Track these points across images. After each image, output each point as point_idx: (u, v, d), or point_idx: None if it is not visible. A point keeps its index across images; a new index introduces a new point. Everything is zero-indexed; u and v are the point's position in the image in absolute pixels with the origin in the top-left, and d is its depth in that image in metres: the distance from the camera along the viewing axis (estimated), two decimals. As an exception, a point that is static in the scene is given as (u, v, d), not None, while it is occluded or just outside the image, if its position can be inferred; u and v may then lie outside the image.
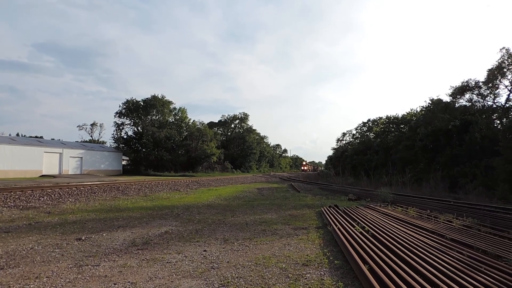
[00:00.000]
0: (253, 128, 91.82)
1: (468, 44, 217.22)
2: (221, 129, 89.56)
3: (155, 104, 62.89)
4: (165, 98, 64.99)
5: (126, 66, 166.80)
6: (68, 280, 4.57)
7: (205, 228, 8.75)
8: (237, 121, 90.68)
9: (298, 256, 5.87)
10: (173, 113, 69.06)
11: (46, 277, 4.71)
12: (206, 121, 79.80)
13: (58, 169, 43.76)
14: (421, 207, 12.83)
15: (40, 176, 39.14)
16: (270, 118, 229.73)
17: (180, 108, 69.80)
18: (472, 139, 22.68)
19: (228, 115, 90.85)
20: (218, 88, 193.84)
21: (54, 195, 15.78)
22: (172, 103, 66.95)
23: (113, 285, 4.39)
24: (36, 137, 71.54)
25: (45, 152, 42.10)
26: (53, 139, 64.03)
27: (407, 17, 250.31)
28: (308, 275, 4.80)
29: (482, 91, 26.09)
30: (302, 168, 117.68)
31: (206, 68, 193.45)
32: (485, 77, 25.36)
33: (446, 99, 28.85)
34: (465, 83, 26.84)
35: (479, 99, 26.52)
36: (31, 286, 4.34)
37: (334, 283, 4.45)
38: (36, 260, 5.60)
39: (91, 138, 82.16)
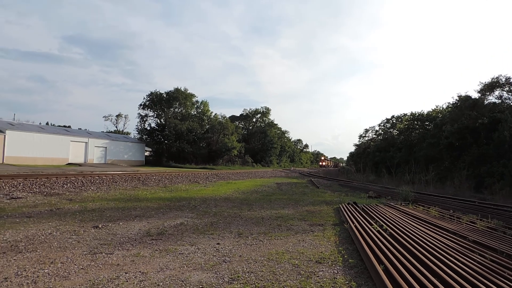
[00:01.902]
0: (275, 122, 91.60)
1: (500, 39, 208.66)
2: (242, 123, 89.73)
3: (178, 96, 63.65)
4: (188, 91, 65.69)
5: (150, 58, 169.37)
6: (81, 267, 4.63)
7: (220, 221, 8.74)
8: (258, 115, 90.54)
9: (312, 253, 5.76)
10: (195, 106, 69.76)
11: (61, 262, 4.79)
12: (227, 115, 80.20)
13: (84, 158, 45.03)
14: (444, 207, 12.43)
15: (67, 164, 40.40)
16: (291, 112, 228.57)
17: (202, 101, 70.53)
18: (501, 137, 21.75)
19: (250, 109, 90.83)
20: (240, 81, 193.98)
21: (77, 183, 16.19)
22: (195, 96, 67.69)
23: (124, 273, 4.42)
24: (64, 126, 73.70)
25: (71, 141, 43.40)
26: (80, 128, 65.93)
27: (434, 12, 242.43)
28: (321, 273, 4.68)
29: (513, 88, 25.04)
30: (320, 163, 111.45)
31: (228, 61, 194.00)
32: (517, 73, 24.30)
33: (475, 95, 27.81)
34: (495, 79, 25.79)
35: (509, 96, 25.45)
36: (46, 270, 4.42)
37: (347, 282, 4.32)
38: (53, 245, 5.72)
39: (116, 129, 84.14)
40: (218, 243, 6.26)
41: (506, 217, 9.88)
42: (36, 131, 39.93)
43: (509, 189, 18.32)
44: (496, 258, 5.29)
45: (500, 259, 5.25)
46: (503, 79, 25.38)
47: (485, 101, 26.68)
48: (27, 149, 37.42)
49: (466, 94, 29.17)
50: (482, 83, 26.83)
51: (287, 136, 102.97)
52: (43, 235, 6.39)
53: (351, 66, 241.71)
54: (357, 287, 4.20)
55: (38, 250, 5.38)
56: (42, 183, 15.09)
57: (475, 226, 8.50)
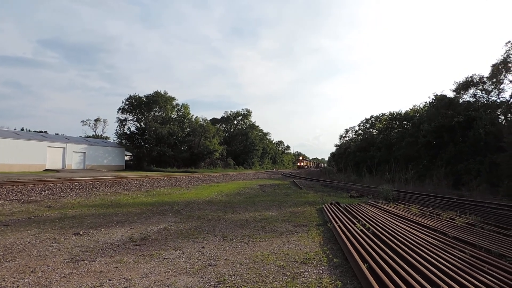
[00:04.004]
0: (256, 124, 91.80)
1: (473, 39, 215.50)
2: (224, 126, 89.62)
3: (158, 100, 62.92)
4: (168, 94, 65.10)
5: (129, 62, 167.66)
6: (63, 275, 4.51)
7: (204, 224, 8.68)
8: (240, 117, 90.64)
9: (297, 253, 5.79)
10: (176, 109, 69.16)
11: (41, 271, 4.66)
12: (208, 118, 79.95)
13: (62, 163, 43.97)
14: (424, 204, 12.70)
15: (44, 170, 39.36)
16: (273, 114, 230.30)
17: (182, 104, 70.05)
18: (476, 135, 22.45)
19: (231, 111, 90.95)
20: (221, 84, 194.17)
21: (56, 190, 15.78)
22: (175, 99, 67.10)
23: (108, 281, 4.33)
24: (41, 132, 71.85)
25: (48, 146, 42.32)
26: (57, 134, 64.35)
27: (411, 12, 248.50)
28: (306, 273, 4.71)
29: (487, 87, 25.86)
30: (299, 164, 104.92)
31: (209, 63, 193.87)
32: (490, 72, 25.13)
33: (450, 94, 28.57)
34: (469, 79, 26.59)
35: (483, 94, 26.31)
36: (26, 280, 4.29)
37: (333, 282, 4.36)
38: (32, 254, 5.56)
39: (94, 134, 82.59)
40: (203, 247, 6.21)
41: (484, 212, 10.19)
42: (11, 137, 38.71)
43: (486, 185, 18.89)
44: (475, 253, 5.44)
45: (479, 254, 5.40)
46: (477, 78, 26.17)
47: (460, 99, 27.45)
48: (2, 156, 36.22)
49: (442, 93, 29.95)
50: (456, 82, 27.62)
51: (268, 138, 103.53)
52: (22, 244, 6.19)
53: (331, 67, 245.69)
54: (343, 286, 4.24)
55: (17, 259, 5.21)
56: (19, 190, 14.65)
57: (454, 223, 8.73)
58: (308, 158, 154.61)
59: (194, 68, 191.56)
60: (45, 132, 75.63)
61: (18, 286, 4.08)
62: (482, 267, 4.63)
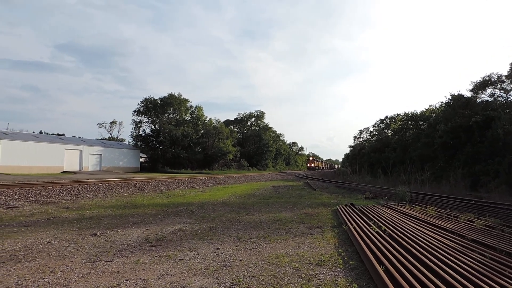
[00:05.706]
0: (269, 126, 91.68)
1: (491, 38, 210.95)
2: (237, 127, 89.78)
3: (172, 102, 63.42)
4: (182, 97, 65.50)
5: (143, 65, 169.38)
6: (81, 275, 4.59)
7: (219, 225, 8.72)
8: (253, 119, 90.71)
9: (312, 255, 5.76)
10: (190, 111, 69.61)
11: (61, 271, 4.75)
12: (222, 119, 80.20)
13: (79, 165, 44.75)
14: (441, 206, 12.49)
15: (62, 172, 40.12)
16: (286, 115, 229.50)
17: (196, 106, 70.43)
18: (495, 135, 21.89)
19: (244, 113, 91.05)
20: (234, 85, 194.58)
21: (73, 191, 16.07)
22: (189, 101, 67.50)
23: (124, 281, 4.39)
24: (58, 134, 73.23)
25: (66, 149, 43.15)
26: (74, 136, 65.59)
27: (426, 11, 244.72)
28: (322, 275, 4.68)
29: (505, 86, 25.23)
30: (308, 165, 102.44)
31: (221, 65, 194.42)
32: (508, 70, 24.50)
33: (467, 94, 27.95)
34: (487, 78, 25.98)
35: (502, 93, 25.67)
36: (46, 279, 4.39)
37: (348, 284, 4.33)
38: (52, 254, 5.68)
39: (110, 136, 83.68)
40: (217, 248, 6.25)
41: (504, 215, 9.95)
42: (30, 140, 39.65)
43: (505, 186, 18.42)
44: (495, 256, 5.32)
45: (499, 257, 5.28)
46: (495, 77, 25.57)
47: (478, 99, 26.85)
48: (21, 158, 37.12)
49: (459, 93, 29.35)
50: (474, 82, 27.05)
51: (282, 139, 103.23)
52: (41, 244, 6.34)
53: (344, 67, 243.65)
54: (359, 288, 4.20)
55: (38, 259, 5.34)
56: (38, 191, 14.98)
57: (473, 225, 8.55)
58: (322, 159, 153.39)
59: (207, 70, 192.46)
60: (63, 134, 77.11)
61: (38, 286, 4.17)
62: (503, 271, 4.53)
